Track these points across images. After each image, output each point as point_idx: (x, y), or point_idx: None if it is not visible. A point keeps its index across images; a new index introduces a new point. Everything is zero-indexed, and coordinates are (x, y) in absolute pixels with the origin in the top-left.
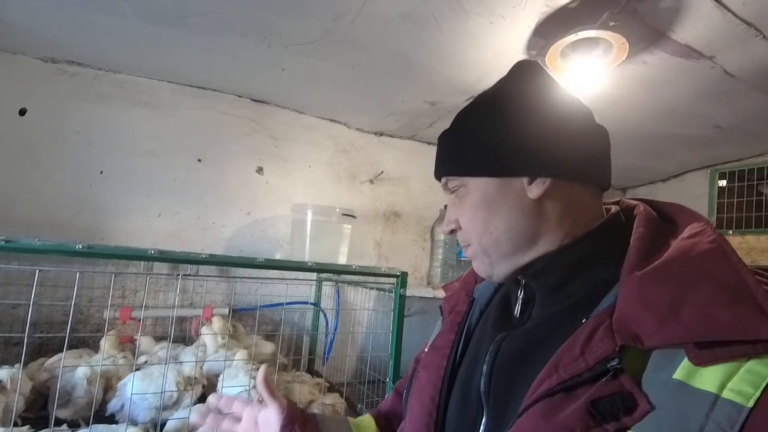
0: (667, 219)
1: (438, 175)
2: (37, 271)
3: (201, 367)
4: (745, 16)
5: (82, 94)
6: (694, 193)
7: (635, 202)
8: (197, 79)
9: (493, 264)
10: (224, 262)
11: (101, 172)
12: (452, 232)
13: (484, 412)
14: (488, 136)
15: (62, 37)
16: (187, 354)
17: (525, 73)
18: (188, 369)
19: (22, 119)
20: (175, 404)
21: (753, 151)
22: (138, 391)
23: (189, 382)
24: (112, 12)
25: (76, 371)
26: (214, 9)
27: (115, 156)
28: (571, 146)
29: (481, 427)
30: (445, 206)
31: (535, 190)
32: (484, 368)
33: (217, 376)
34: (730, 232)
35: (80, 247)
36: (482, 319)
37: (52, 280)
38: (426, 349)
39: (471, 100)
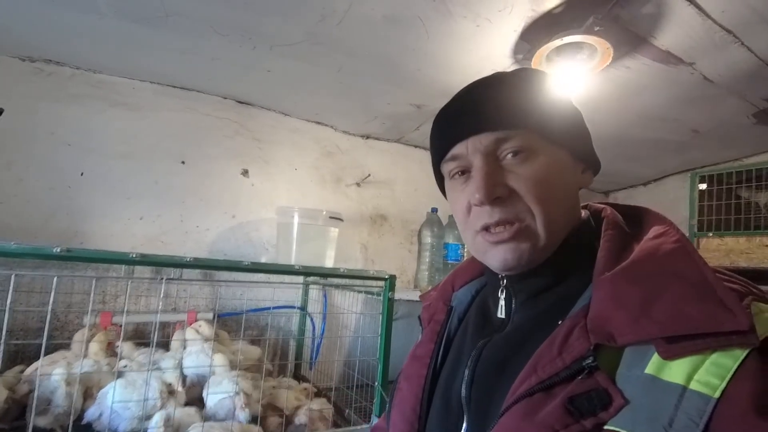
0: (632, 221)
1: (510, 123)
2: (13, 276)
3: (182, 374)
4: (724, 22)
5: (58, 93)
6: (674, 197)
7: (602, 206)
8: (179, 80)
9: (537, 248)
10: (209, 266)
11: (81, 174)
12: (497, 200)
13: (465, 417)
14: (566, 109)
15: (39, 36)
16: (168, 360)
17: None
18: (170, 375)
19: None
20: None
21: (729, 155)
22: (119, 399)
23: (170, 389)
24: (89, 10)
25: (54, 372)
26: (196, 8)
27: (93, 158)
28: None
29: (462, 431)
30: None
31: (586, 179)
32: (466, 373)
33: (202, 382)
34: (710, 234)
35: (58, 250)
36: (461, 327)
37: (27, 285)
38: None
39: None
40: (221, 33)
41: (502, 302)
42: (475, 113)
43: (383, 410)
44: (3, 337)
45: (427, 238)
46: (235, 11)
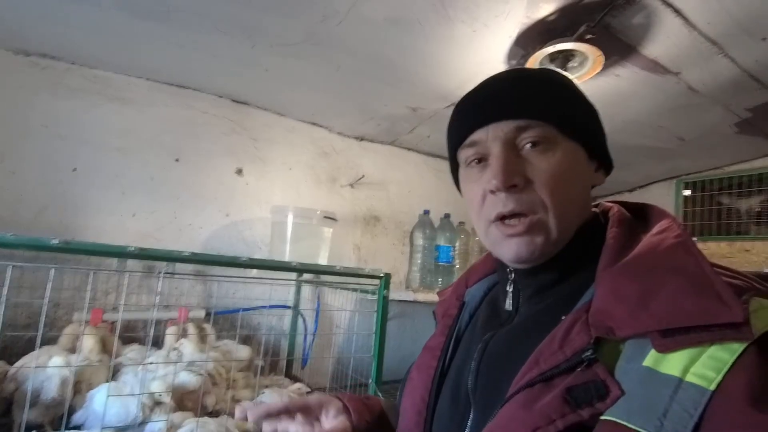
0: (639, 218)
1: (532, 114)
2: (10, 267)
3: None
4: (710, 34)
5: (53, 87)
6: (659, 203)
7: (611, 205)
8: (176, 77)
9: (551, 241)
10: (207, 261)
11: (74, 170)
12: (513, 187)
13: (472, 408)
14: (587, 106)
15: (35, 29)
16: (159, 361)
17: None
18: (157, 385)
19: None
20: (141, 425)
21: (712, 163)
22: (105, 406)
23: (157, 401)
24: (88, 3)
25: (49, 364)
26: (196, 5)
27: (86, 152)
28: None
29: (469, 422)
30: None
31: (599, 177)
32: (472, 365)
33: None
34: (694, 239)
35: (56, 242)
36: (471, 321)
37: (17, 280)
38: None
39: (450, 106)
40: (222, 30)
41: (510, 294)
42: (498, 101)
43: None
44: None
45: (419, 240)
46: (237, 8)
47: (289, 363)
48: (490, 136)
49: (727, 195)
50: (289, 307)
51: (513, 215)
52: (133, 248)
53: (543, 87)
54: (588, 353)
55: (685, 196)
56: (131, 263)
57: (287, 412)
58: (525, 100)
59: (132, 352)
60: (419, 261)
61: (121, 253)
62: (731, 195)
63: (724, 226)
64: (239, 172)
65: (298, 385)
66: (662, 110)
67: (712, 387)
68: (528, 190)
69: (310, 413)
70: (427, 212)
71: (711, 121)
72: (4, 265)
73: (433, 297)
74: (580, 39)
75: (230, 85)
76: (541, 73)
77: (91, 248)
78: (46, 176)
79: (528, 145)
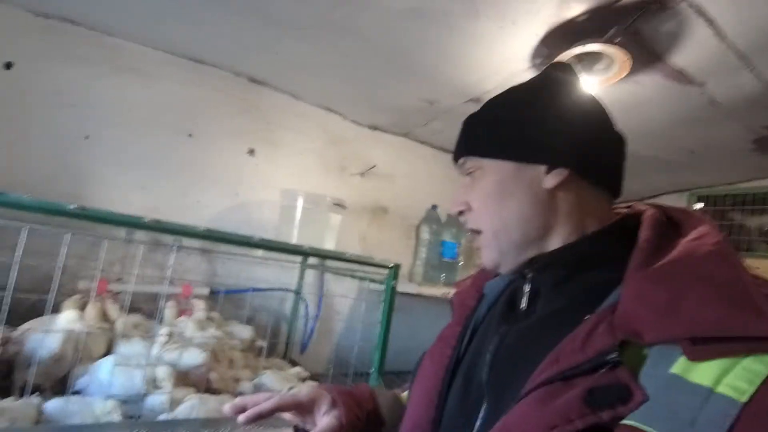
0: (675, 223)
1: (457, 155)
2: (26, 230)
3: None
4: (740, 47)
5: (69, 53)
6: None
7: (644, 207)
8: (192, 51)
9: (502, 252)
10: (220, 238)
11: (87, 137)
12: (460, 213)
13: (485, 400)
14: (511, 121)
15: None
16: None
17: (557, 70)
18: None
19: (7, 73)
20: (143, 396)
21: (724, 178)
22: (111, 376)
23: (155, 384)
24: None
25: (55, 329)
26: None
27: (98, 122)
28: (591, 144)
29: (481, 413)
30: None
31: (551, 179)
32: (487, 358)
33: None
34: None
35: (73, 207)
36: (489, 313)
37: (25, 245)
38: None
39: (469, 102)
40: (242, 7)
41: (526, 294)
42: (458, 141)
43: None
44: (10, 291)
45: (425, 234)
46: None
47: (289, 347)
48: (459, 171)
49: (739, 211)
50: (292, 291)
51: (473, 231)
52: (148, 219)
53: (471, 125)
54: (613, 355)
55: (696, 210)
56: (139, 235)
57: (279, 410)
58: (459, 142)
59: (137, 327)
60: (424, 255)
61: (136, 224)
62: (743, 212)
63: (734, 243)
64: (251, 152)
65: (297, 369)
66: (678, 122)
67: (744, 399)
68: (473, 212)
69: (302, 410)
70: (435, 207)
71: (727, 136)
72: (18, 227)
73: (436, 291)
74: (609, 42)
75: (246, 64)
76: (481, 108)
77: (107, 217)
78: (55, 144)
79: (469, 176)
